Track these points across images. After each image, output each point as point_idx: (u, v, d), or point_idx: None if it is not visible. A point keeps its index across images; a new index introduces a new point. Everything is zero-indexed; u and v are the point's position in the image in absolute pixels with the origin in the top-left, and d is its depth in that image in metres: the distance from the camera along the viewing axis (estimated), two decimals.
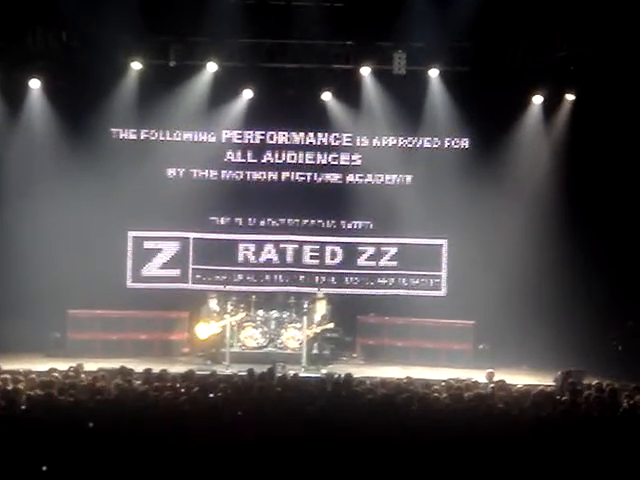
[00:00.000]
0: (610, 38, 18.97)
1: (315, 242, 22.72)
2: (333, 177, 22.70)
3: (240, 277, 22.67)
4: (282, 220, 22.73)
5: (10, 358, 18.06)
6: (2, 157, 21.37)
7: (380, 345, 21.54)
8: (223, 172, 22.67)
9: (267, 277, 22.72)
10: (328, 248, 22.73)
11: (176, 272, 22.64)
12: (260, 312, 21.44)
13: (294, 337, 20.90)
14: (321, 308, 20.77)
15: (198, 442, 10.26)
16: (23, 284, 20.86)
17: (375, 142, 22.60)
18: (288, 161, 22.66)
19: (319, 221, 22.75)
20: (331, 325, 20.66)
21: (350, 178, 22.68)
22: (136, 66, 21.19)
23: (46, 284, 20.67)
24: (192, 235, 22.61)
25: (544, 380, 17.41)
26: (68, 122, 21.37)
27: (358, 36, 20.94)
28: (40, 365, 17.01)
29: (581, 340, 19.71)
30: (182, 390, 12.95)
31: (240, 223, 22.75)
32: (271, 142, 22.67)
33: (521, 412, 12.11)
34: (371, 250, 22.67)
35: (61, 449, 10.12)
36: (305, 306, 20.93)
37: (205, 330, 20.55)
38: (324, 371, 18.81)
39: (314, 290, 21.81)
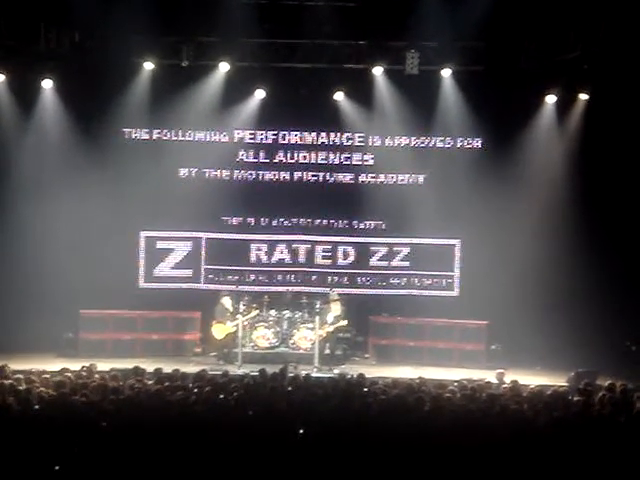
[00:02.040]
0: (623, 38, 18.88)
1: (327, 242, 22.71)
2: (345, 177, 22.67)
3: (252, 277, 22.70)
4: (294, 220, 22.72)
5: (23, 358, 18.10)
6: (15, 157, 21.41)
7: (392, 345, 21.50)
8: (235, 172, 22.67)
9: (279, 277, 22.74)
10: (340, 248, 22.72)
11: (188, 272, 22.67)
12: (272, 312, 21.45)
13: (306, 337, 20.88)
14: (335, 309, 20.68)
15: (210, 442, 10.26)
16: (35, 284, 20.93)
17: (387, 142, 22.57)
18: (300, 161, 22.65)
19: (331, 221, 22.73)
20: (344, 322, 20.52)
21: (362, 178, 22.66)
22: (148, 66, 21.21)
23: (58, 284, 20.70)
24: (204, 235, 22.63)
25: (557, 381, 17.38)
26: (80, 122, 21.41)
27: (370, 36, 20.92)
28: (52, 365, 17.04)
29: (594, 341, 19.65)
30: (194, 390, 12.95)
31: (252, 223, 22.75)
32: (283, 142, 22.66)
33: (534, 413, 12.08)
34: (383, 250, 22.65)
35: (74, 449, 10.13)
36: (317, 306, 20.86)
37: (221, 330, 20.54)
38: (336, 371, 18.79)
39: (327, 290, 21.76)
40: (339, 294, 21.13)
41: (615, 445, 10.41)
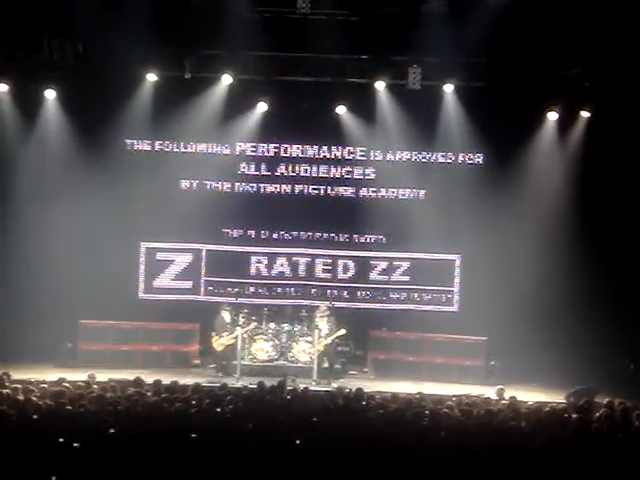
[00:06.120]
0: (625, 55, 18.93)
1: (328, 256, 22.73)
2: (346, 191, 22.70)
3: (252, 290, 22.70)
4: (295, 233, 22.74)
5: (22, 368, 18.05)
6: (17, 167, 21.43)
7: (391, 360, 21.47)
8: (237, 184, 22.70)
9: (279, 290, 22.75)
10: (340, 262, 22.73)
11: (188, 284, 22.68)
12: (272, 325, 21.42)
13: (305, 350, 20.86)
14: (325, 322, 20.58)
15: (208, 454, 10.26)
16: (35, 294, 20.89)
17: (389, 156, 22.62)
18: (302, 174, 22.68)
19: (332, 235, 22.75)
20: (343, 331, 20.43)
21: (363, 192, 22.69)
22: (151, 78, 21.24)
23: (58, 294, 20.70)
24: (205, 247, 22.66)
25: (555, 397, 17.39)
26: (83, 133, 21.44)
27: (373, 50, 20.95)
28: (51, 375, 17.01)
29: (593, 358, 19.64)
30: (193, 402, 12.94)
31: (253, 235, 22.76)
32: (285, 155, 22.69)
33: (532, 429, 12.06)
34: (383, 264, 22.67)
35: (71, 459, 10.13)
36: (317, 319, 20.84)
37: (220, 342, 20.49)
38: (335, 385, 18.77)
39: (326, 303, 21.67)
40: (328, 307, 21.00)
41: (612, 463, 10.40)
